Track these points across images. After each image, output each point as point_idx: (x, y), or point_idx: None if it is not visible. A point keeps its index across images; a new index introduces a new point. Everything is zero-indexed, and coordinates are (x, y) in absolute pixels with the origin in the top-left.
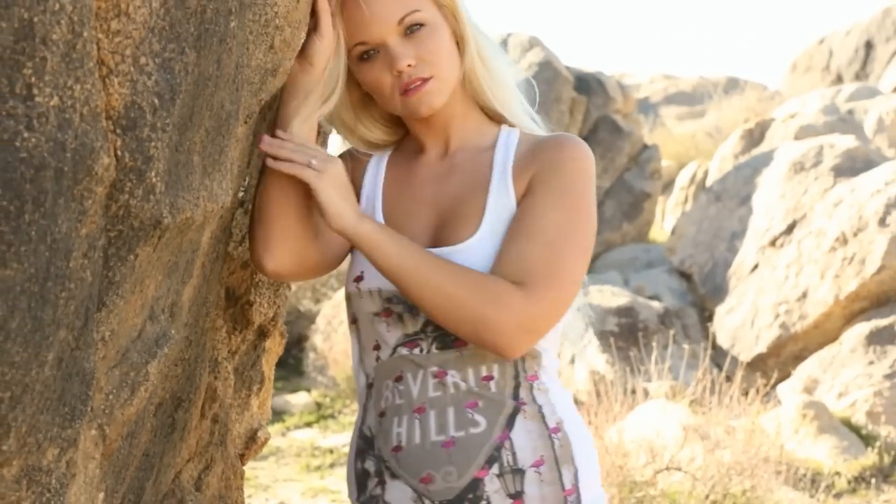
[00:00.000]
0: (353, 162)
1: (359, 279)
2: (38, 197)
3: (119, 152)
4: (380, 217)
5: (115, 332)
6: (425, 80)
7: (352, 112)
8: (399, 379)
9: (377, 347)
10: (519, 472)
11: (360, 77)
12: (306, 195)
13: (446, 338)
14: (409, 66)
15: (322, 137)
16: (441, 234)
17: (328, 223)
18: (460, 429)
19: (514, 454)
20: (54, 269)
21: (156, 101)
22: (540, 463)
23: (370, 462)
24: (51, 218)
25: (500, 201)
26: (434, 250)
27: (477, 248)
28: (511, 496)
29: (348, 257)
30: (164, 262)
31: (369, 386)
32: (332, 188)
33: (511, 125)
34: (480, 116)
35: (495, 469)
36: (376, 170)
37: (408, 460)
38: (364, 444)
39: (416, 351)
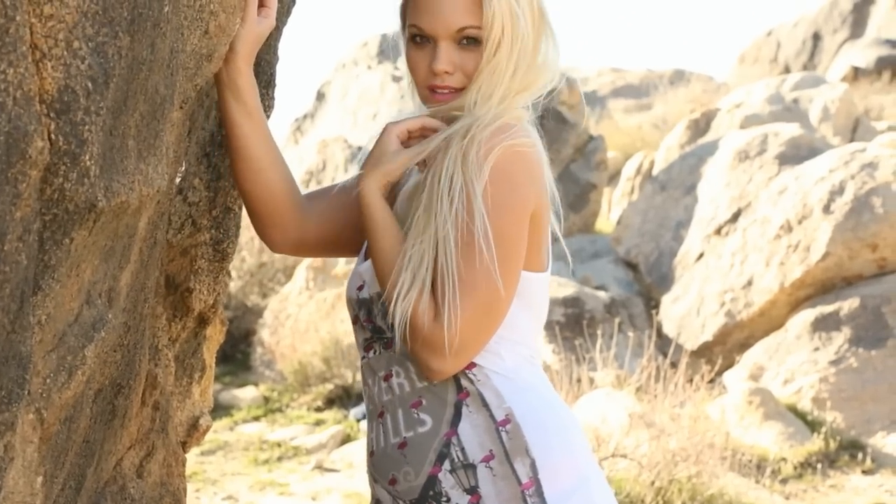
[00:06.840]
0: None
1: (360, 288)
2: None
3: (53, 136)
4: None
5: (52, 316)
6: (455, 92)
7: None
8: (367, 385)
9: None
10: (470, 467)
11: (406, 52)
12: (272, 172)
13: (388, 338)
14: (447, 72)
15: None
16: None
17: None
18: (409, 429)
19: (462, 449)
20: None
21: (89, 84)
22: (490, 458)
23: (369, 466)
24: None
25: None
26: None
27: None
28: (467, 491)
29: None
30: (101, 246)
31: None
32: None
33: None
34: None
35: (447, 465)
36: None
37: (377, 465)
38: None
39: (371, 354)
